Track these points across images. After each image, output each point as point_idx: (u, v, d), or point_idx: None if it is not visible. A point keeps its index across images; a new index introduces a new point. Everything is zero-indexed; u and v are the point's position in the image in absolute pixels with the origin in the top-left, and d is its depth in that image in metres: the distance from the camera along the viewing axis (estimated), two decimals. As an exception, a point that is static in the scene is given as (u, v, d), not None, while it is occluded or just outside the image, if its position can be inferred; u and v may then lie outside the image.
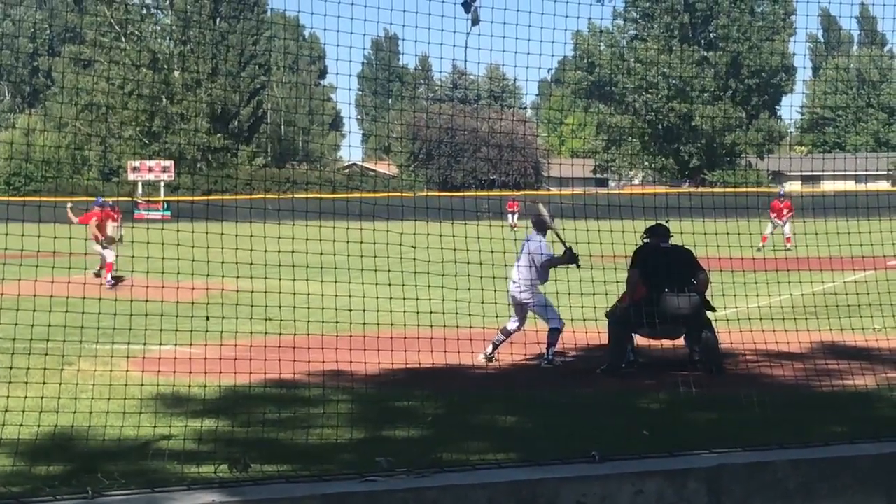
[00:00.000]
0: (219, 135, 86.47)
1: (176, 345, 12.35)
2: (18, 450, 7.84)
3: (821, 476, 6.75)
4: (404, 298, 16.11)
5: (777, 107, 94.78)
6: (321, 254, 11.11)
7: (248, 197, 38.85)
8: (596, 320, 12.36)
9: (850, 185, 61.31)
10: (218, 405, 10.06)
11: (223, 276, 12.45)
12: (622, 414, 9.94)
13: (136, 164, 76.78)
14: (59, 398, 9.13)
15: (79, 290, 12.73)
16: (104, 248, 24.73)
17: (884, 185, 77.21)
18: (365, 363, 10.06)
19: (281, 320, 11.91)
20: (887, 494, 6.81)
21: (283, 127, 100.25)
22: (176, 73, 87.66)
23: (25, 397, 8.86)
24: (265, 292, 11.31)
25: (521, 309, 13.58)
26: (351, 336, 10.47)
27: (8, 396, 8.96)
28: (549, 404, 10.58)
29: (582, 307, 11.48)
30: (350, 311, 10.97)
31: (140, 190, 74.94)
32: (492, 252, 13.02)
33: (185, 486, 6.21)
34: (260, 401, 10.19)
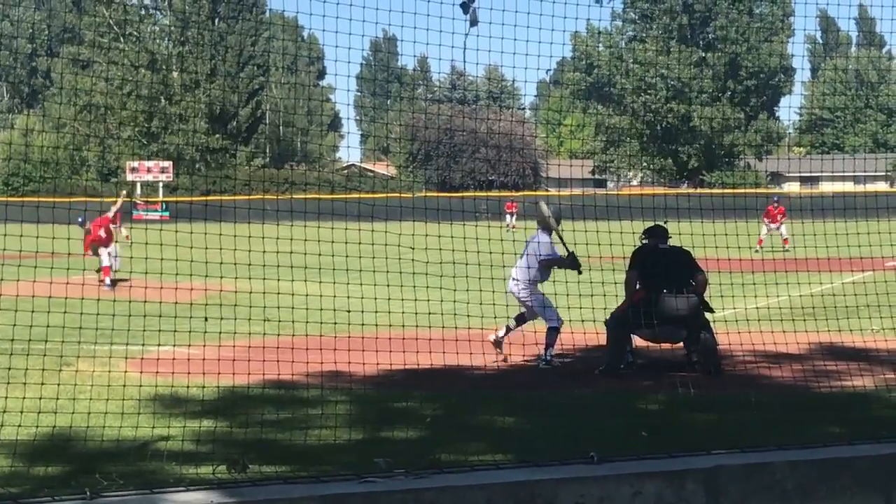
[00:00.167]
0: (217, 135, 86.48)
1: (174, 345, 12.37)
2: (17, 450, 7.84)
3: (819, 477, 6.76)
4: (403, 299, 16.10)
5: (776, 108, 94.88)
6: (320, 254, 11.11)
7: (247, 197, 38.86)
8: (594, 321, 12.37)
9: (848, 186, 61.39)
10: (216, 406, 10.06)
11: (222, 277, 12.44)
12: (621, 415, 9.94)
13: (135, 164, 76.78)
14: (58, 399, 9.13)
15: (77, 291, 12.73)
16: (102, 250, 24.75)
17: (882, 186, 77.24)
18: (363, 364, 10.06)
19: (279, 321, 11.92)
20: (886, 495, 6.82)
21: (281, 127, 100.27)
22: (174, 74, 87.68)
23: (24, 398, 8.86)
24: (264, 293, 11.32)
25: (526, 306, 13.63)
26: (349, 337, 10.47)
27: (6, 397, 8.95)
28: (548, 405, 10.58)
29: (580, 308, 11.48)
30: (348, 311, 10.96)
31: (138, 190, 74.93)
32: (490, 253, 13.02)
33: (183, 487, 6.21)
34: (258, 401, 10.19)
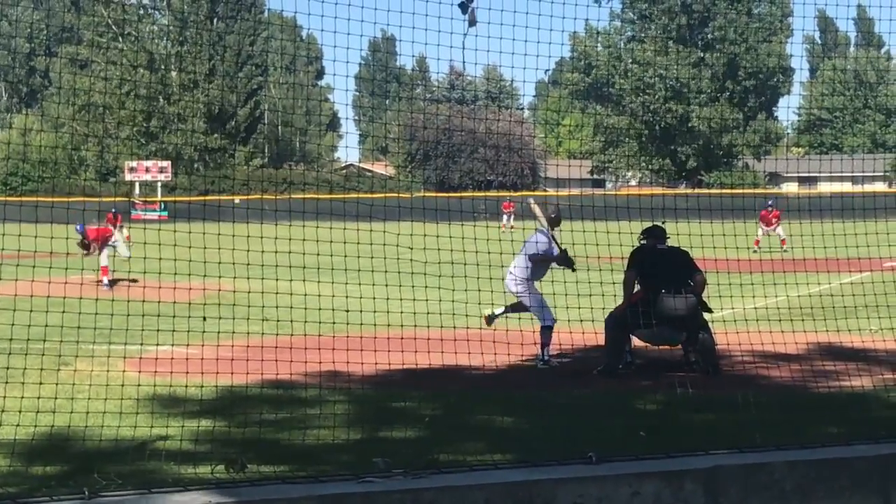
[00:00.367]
0: (216, 135, 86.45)
1: (173, 345, 12.37)
2: (15, 450, 7.84)
3: (817, 477, 6.76)
4: (401, 299, 16.12)
5: (774, 108, 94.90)
6: (318, 254, 11.11)
7: (246, 197, 38.84)
8: (593, 321, 12.37)
9: (846, 187, 61.39)
10: (215, 406, 10.06)
11: (220, 277, 12.46)
12: (619, 415, 9.95)
13: (134, 164, 76.75)
14: (56, 398, 9.12)
15: (76, 291, 12.73)
16: (100, 252, 24.73)
17: (880, 187, 77.26)
18: (362, 364, 10.05)
19: (278, 321, 11.93)
20: (884, 496, 6.82)
21: (280, 127, 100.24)
22: (173, 74, 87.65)
23: (22, 397, 8.85)
24: (262, 293, 11.32)
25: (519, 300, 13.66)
26: (348, 336, 10.47)
27: (4, 397, 8.94)
28: (547, 405, 10.59)
29: (579, 308, 11.49)
30: (347, 311, 10.96)
31: (137, 190, 74.93)
32: (489, 253, 13.02)
33: (181, 487, 6.21)
34: (257, 401, 10.18)
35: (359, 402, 10.31)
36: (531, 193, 65.55)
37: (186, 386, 9.87)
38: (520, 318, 13.81)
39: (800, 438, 7.83)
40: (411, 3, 10.80)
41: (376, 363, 10.65)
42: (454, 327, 10.86)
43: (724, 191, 62.49)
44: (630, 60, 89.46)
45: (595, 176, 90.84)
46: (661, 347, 12.97)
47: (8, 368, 10.19)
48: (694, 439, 8.13)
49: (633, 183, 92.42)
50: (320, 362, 10.32)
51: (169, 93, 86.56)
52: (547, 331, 13.23)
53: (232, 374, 9.75)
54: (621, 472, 6.53)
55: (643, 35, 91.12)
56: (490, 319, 13.46)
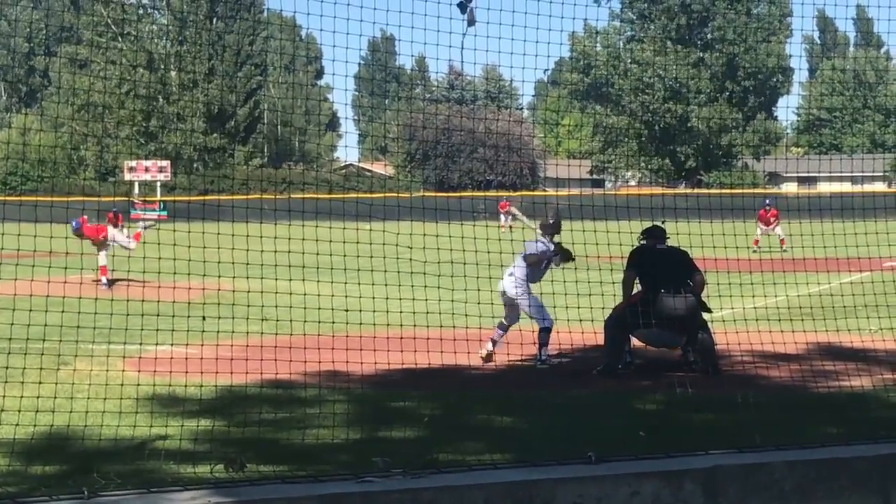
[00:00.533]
0: (215, 135, 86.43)
1: (172, 345, 12.36)
2: (14, 450, 7.84)
3: (817, 477, 6.76)
4: (400, 299, 16.12)
5: (773, 108, 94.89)
6: (317, 254, 11.11)
7: (245, 197, 38.85)
8: (592, 321, 12.36)
9: (846, 187, 61.38)
10: (214, 405, 10.06)
11: (219, 276, 12.46)
12: (618, 415, 9.95)
13: (133, 164, 76.72)
14: (56, 398, 9.12)
15: (75, 290, 12.73)
16: (98, 251, 24.72)
17: (880, 187, 77.27)
18: (361, 363, 10.05)
19: (277, 320, 11.93)
20: (884, 496, 6.82)
21: (279, 127, 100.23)
22: (172, 73, 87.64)
23: (21, 397, 8.85)
24: (261, 292, 11.32)
25: (512, 306, 13.59)
26: (347, 336, 10.47)
27: (4, 396, 8.94)
28: (546, 405, 10.58)
29: (578, 308, 11.49)
30: (346, 311, 10.97)
31: (136, 189, 74.91)
32: (488, 252, 13.02)
33: (181, 487, 6.21)
34: (256, 401, 10.18)
35: (358, 402, 10.31)
36: (530, 193, 65.56)
37: (186, 385, 9.87)
38: (519, 318, 13.79)
39: (799, 438, 7.83)
40: (410, 3, 10.81)
41: (376, 363, 10.64)
42: (454, 327, 10.85)
43: (723, 191, 62.53)
44: (629, 60, 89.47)
45: (594, 176, 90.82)
46: (660, 347, 12.97)
47: (7, 368, 10.19)
48: (693, 439, 8.13)
49: (632, 183, 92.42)
50: (320, 362, 10.32)
51: (168, 92, 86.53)
52: (545, 332, 13.23)
53: (231, 373, 9.75)
54: (620, 471, 6.53)
55: (643, 35, 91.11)
56: (488, 358, 13.41)
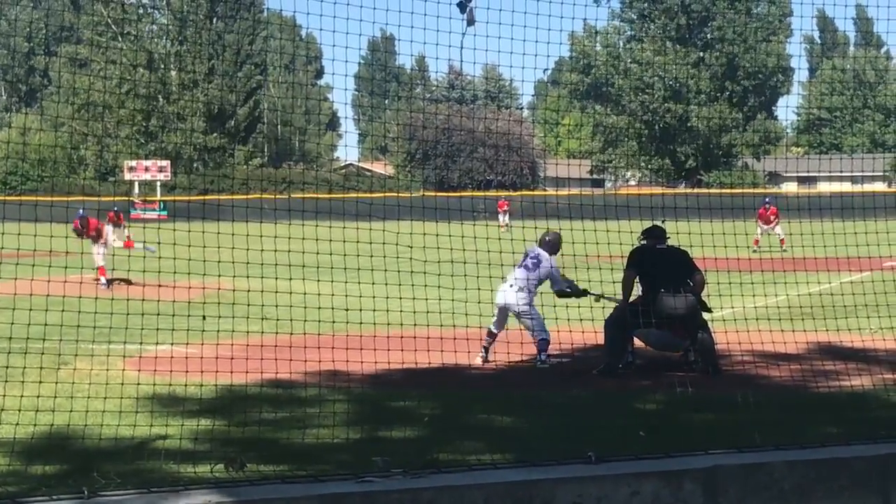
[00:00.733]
0: (215, 134, 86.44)
1: (172, 344, 12.36)
2: (14, 449, 7.84)
3: (817, 477, 6.76)
4: (401, 298, 16.11)
5: (773, 108, 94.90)
6: (318, 253, 11.11)
7: (245, 197, 38.84)
8: (593, 321, 12.37)
9: (846, 187, 61.36)
10: (214, 405, 10.06)
11: (220, 276, 12.46)
12: (618, 415, 9.95)
13: (133, 163, 76.72)
14: (56, 398, 9.12)
15: (75, 290, 12.73)
16: (93, 245, 24.68)
17: (880, 187, 77.26)
18: (361, 363, 10.06)
19: (277, 320, 11.93)
20: (883, 496, 6.82)
21: (279, 127, 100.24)
22: (172, 73, 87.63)
23: (22, 396, 8.85)
24: (262, 292, 11.32)
25: (504, 314, 13.56)
26: (347, 336, 10.47)
27: (4, 396, 8.94)
28: (546, 405, 10.58)
29: (579, 307, 11.50)
30: (346, 310, 10.97)
31: (136, 189, 74.92)
32: (488, 252, 13.02)
33: (181, 486, 6.21)
34: (256, 401, 10.18)
35: (358, 402, 10.31)
36: (530, 193, 65.55)
37: (186, 385, 9.87)
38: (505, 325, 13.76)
39: (799, 438, 7.83)
40: (410, 3, 10.81)
41: (375, 363, 10.65)
42: (454, 326, 10.87)
43: (723, 190, 62.53)
44: (629, 60, 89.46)
45: (595, 176, 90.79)
46: (663, 351, 12.98)
47: (7, 367, 10.19)
48: (693, 439, 8.14)
49: (632, 183, 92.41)
50: (320, 362, 10.33)
51: (168, 92, 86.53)
52: (544, 342, 13.22)
53: (231, 373, 9.75)
54: (620, 471, 6.54)
55: (643, 35, 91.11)
56: (484, 360, 13.40)
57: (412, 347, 10.23)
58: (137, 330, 11.01)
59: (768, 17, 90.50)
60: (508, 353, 13.41)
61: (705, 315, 12.85)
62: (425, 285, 11.84)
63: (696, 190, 68.05)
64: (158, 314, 10.28)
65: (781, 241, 34.75)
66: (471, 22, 10.68)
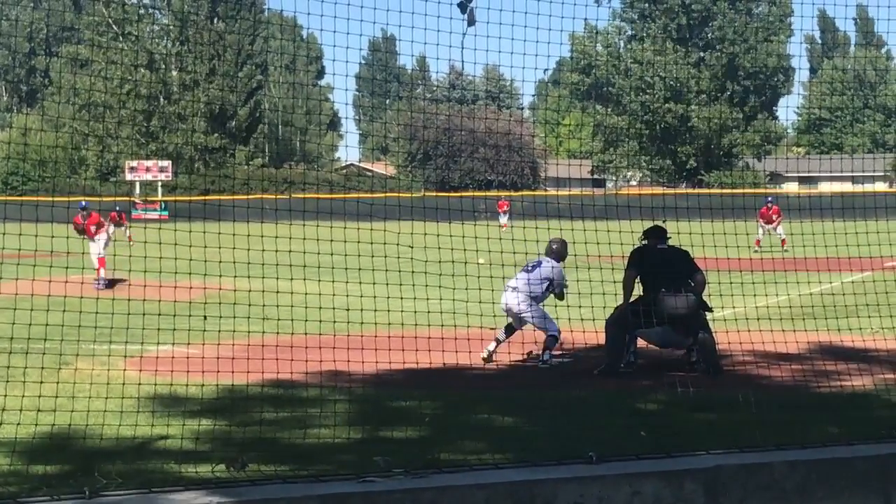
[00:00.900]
0: (216, 135, 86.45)
1: (173, 345, 12.36)
2: (16, 449, 7.84)
3: (818, 477, 6.76)
4: (402, 298, 16.12)
5: (774, 108, 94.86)
6: (319, 254, 11.12)
7: (246, 197, 38.84)
8: (594, 321, 12.37)
9: (847, 187, 61.36)
10: (215, 405, 10.06)
11: (221, 276, 12.46)
12: (620, 415, 9.95)
13: (134, 164, 76.76)
14: (57, 398, 9.13)
15: (76, 290, 12.73)
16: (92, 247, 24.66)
17: (881, 187, 77.27)
18: (363, 363, 10.06)
19: (278, 320, 11.91)
20: (885, 496, 6.82)
21: (280, 127, 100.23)
22: (173, 73, 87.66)
23: (23, 397, 8.85)
24: (263, 292, 11.32)
25: (518, 318, 13.61)
26: (348, 336, 10.47)
27: (5, 396, 8.94)
28: (547, 405, 10.58)
29: (580, 307, 11.49)
30: (347, 311, 10.97)
31: (137, 189, 74.93)
32: (489, 252, 13.02)
33: (182, 487, 6.21)
34: (257, 401, 10.18)
35: (359, 402, 10.31)
36: (531, 193, 65.56)
37: (187, 385, 9.87)
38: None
39: (800, 438, 7.82)
40: (411, 3, 10.81)
41: (377, 363, 10.66)
42: (455, 326, 10.86)
43: (724, 190, 62.51)
44: (630, 60, 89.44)
45: (596, 176, 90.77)
46: (667, 347, 12.98)
47: (9, 368, 10.20)
48: (694, 439, 8.14)
49: (633, 183, 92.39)
50: (321, 362, 10.33)
51: (169, 92, 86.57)
52: (553, 339, 13.24)
53: (233, 373, 9.75)
54: (622, 471, 6.54)
55: (643, 35, 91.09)
56: (489, 359, 13.41)
57: (413, 348, 10.22)
58: (138, 330, 11.01)
59: (769, 17, 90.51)
60: (510, 353, 13.42)
61: (706, 314, 12.85)
62: (426, 285, 11.84)
63: (696, 190, 68.06)
64: (159, 314, 10.28)
65: (783, 241, 34.72)
66: (471, 22, 10.68)
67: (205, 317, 10.94)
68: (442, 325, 10.64)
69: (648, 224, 13.38)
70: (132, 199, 67.78)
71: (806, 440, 7.68)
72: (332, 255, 11.36)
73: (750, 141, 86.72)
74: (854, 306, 14.27)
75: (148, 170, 76.19)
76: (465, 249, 12.01)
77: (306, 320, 12.23)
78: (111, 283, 23.23)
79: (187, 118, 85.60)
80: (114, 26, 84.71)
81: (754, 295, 19.72)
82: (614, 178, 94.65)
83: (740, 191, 60.50)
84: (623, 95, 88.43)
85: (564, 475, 6.45)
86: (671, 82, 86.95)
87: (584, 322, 12.41)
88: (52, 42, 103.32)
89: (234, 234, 10.33)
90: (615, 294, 12.67)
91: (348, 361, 9.88)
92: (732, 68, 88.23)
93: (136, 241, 27.42)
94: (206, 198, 57.92)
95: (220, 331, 13.31)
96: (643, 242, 13.14)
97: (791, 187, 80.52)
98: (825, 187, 63.98)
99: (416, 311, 10.54)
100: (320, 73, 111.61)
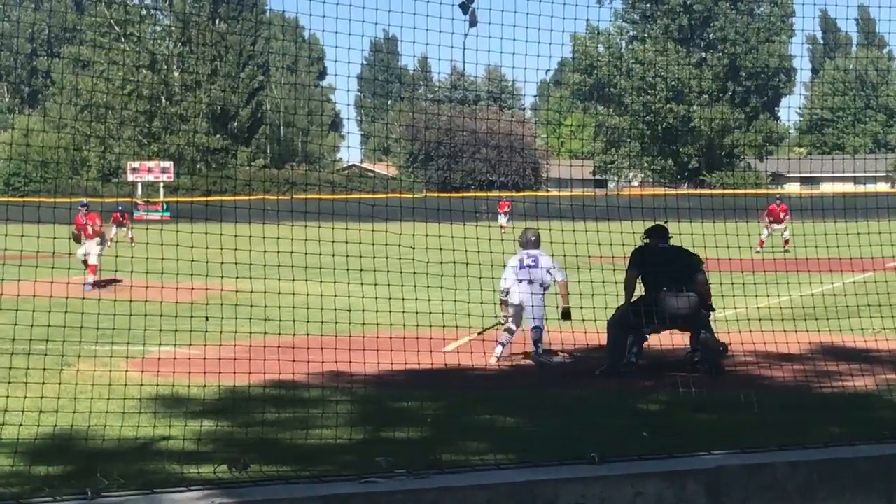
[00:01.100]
0: (218, 136, 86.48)
1: (175, 346, 12.36)
2: (18, 450, 7.84)
3: (820, 478, 6.76)
4: (403, 299, 16.11)
5: (776, 108, 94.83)
6: (320, 255, 11.12)
7: (248, 198, 38.84)
8: (595, 321, 12.37)
9: (849, 187, 61.34)
10: (217, 406, 10.07)
11: (222, 277, 12.46)
12: (621, 415, 9.94)
13: (136, 164, 76.78)
14: (59, 399, 9.13)
15: (78, 291, 12.74)
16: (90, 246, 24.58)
17: (883, 187, 77.23)
18: (364, 364, 10.06)
19: (280, 321, 11.91)
20: (887, 496, 6.82)
21: (282, 128, 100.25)
22: (175, 74, 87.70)
23: (25, 398, 8.86)
24: (264, 293, 11.31)
25: (521, 312, 13.65)
26: (350, 337, 10.48)
27: (7, 397, 8.95)
28: (549, 405, 10.58)
29: (581, 308, 11.49)
30: (349, 311, 10.96)
31: (139, 190, 74.95)
32: (491, 253, 13.03)
33: (184, 487, 6.22)
34: (259, 401, 10.19)
35: (361, 403, 10.31)
36: (533, 194, 65.55)
37: (189, 386, 9.87)
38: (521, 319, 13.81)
39: (802, 439, 7.82)
40: (412, 4, 10.82)
41: (378, 363, 10.66)
42: (456, 327, 10.86)
43: (726, 191, 62.49)
44: (632, 60, 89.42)
45: (597, 176, 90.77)
46: (662, 346, 12.97)
47: (11, 369, 10.19)
48: (696, 440, 8.13)
49: (635, 183, 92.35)
50: (322, 362, 10.33)
51: (171, 93, 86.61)
52: (538, 331, 13.32)
53: (234, 374, 9.75)
54: (624, 472, 6.54)
55: (645, 35, 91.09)
56: (498, 357, 13.46)
57: (415, 348, 10.22)
58: (140, 331, 11.01)
59: (771, 17, 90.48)
60: (511, 353, 13.42)
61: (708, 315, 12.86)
62: (428, 286, 11.84)
63: (698, 190, 68.05)
64: (161, 315, 10.29)
65: (785, 242, 34.69)
66: (473, 23, 10.71)
67: (206, 318, 10.95)
68: (443, 326, 10.64)
69: (650, 225, 13.38)
70: (134, 199, 67.78)
71: (808, 440, 7.68)
72: (333, 255, 11.36)
73: (752, 141, 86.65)
74: (856, 307, 14.26)
75: (150, 170, 76.21)
76: (466, 250, 12.02)
77: (308, 321, 12.25)
78: (104, 284, 23.13)
79: (189, 119, 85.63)
80: (116, 27, 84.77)
81: (756, 296, 19.72)
82: (616, 179, 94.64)
83: (742, 191, 60.50)
84: (625, 96, 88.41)
85: (566, 476, 6.45)
86: (673, 83, 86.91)
87: (585, 323, 12.41)
88: (54, 43, 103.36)
89: (235, 235, 10.33)
90: (617, 295, 12.67)
91: (350, 362, 9.88)
92: (734, 69, 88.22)
93: (138, 242, 27.45)
94: (208, 199, 57.93)
95: (221, 332, 13.30)
96: (645, 241, 13.14)
97: (793, 188, 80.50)
98: (827, 188, 63.96)
99: (417, 312, 10.53)
100: (322, 74, 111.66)
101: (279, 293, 10.11)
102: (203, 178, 75.68)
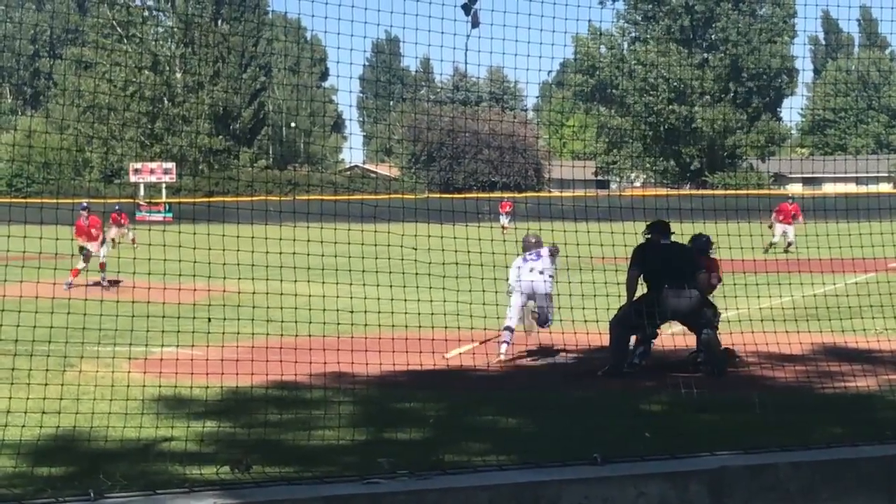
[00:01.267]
0: (220, 137, 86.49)
1: (177, 346, 12.37)
2: (20, 451, 7.85)
3: (823, 478, 6.76)
4: (405, 300, 16.10)
5: (778, 109, 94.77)
6: (322, 255, 11.12)
7: (250, 199, 38.85)
8: (597, 321, 12.38)
9: (851, 188, 61.31)
10: (219, 407, 10.07)
11: (224, 278, 12.47)
12: (624, 416, 9.94)
13: (138, 165, 76.80)
14: (62, 400, 9.14)
15: (80, 292, 12.74)
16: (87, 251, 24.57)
17: (885, 188, 77.18)
18: (366, 365, 10.06)
19: (282, 322, 11.93)
20: (889, 496, 6.82)
21: (284, 129, 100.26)
22: (178, 75, 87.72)
23: (28, 399, 8.86)
24: (267, 294, 11.32)
25: (525, 305, 13.70)
26: (352, 338, 10.48)
27: (10, 398, 8.96)
28: (551, 406, 10.57)
29: (583, 308, 11.49)
30: (352, 312, 10.98)
31: (142, 192, 74.97)
32: (493, 253, 13.03)
33: (186, 488, 6.22)
34: (261, 402, 10.19)
35: (363, 404, 10.31)
36: (535, 195, 65.54)
37: (191, 387, 9.88)
38: (522, 320, 13.82)
39: (805, 439, 7.82)
40: (415, 5, 10.81)
41: (381, 364, 10.66)
42: (458, 328, 10.86)
43: (728, 192, 62.46)
44: (634, 61, 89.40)
45: (600, 177, 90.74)
46: (664, 346, 12.99)
47: (13, 370, 10.20)
48: (699, 440, 8.13)
49: (637, 184, 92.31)
50: (325, 363, 10.33)
51: (173, 94, 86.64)
52: (543, 310, 13.51)
53: (237, 375, 9.76)
54: (626, 473, 6.54)
55: (647, 36, 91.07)
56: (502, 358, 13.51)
57: (417, 349, 10.23)
58: (143, 332, 11.03)
59: (772, 18, 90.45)
60: (513, 354, 13.42)
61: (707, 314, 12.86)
62: (430, 287, 11.83)
63: (700, 191, 68.03)
64: (164, 316, 10.29)
65: (788, 244, 34.64)
66: (475, 24, 10.70)
67: (209, 318, 10.95)
68: (446, 327, 10.64)
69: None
70: (136, 200, 67.79)
71: (810, 441, 7.69)
72: (336, 256, 11.36)
73: (754, 142, 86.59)
74: (858, 307, 14.26)
75: (152, 171, 76.22)
76: (468, 251, 12.02)
77: (310, 322, 12.25)
78: (106, 285, 23.10)
79: (191, 120, 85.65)
80: (118, 28, 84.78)
81: (758, 296, 19.72)
82: (618, 180, 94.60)
83: (744, 192, 60.48)
84: (627, 97, 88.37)
85: (569, 476, 6.45)
86: (675, 84, 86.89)
87: (587, 323, 12.41)
88: (56, 44, 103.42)
89: (238, 236, 10.34)
90: (619, 295, 12.68)
91: (352, 363, 9.88)
92: (736, 69, 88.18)
93: (140, 244, 27.47)
94: (211, 199, 57.96)
95: (224, 332, 13.30)
96: (647, 237, 13.12)
97: (795, 188, 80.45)
98: (829, 188, 63.95)
99: (419, 313, 10.53)
100: (324, 75, 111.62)
101: (281, 294, 10.12)
102: (205, 179, 75.66)
